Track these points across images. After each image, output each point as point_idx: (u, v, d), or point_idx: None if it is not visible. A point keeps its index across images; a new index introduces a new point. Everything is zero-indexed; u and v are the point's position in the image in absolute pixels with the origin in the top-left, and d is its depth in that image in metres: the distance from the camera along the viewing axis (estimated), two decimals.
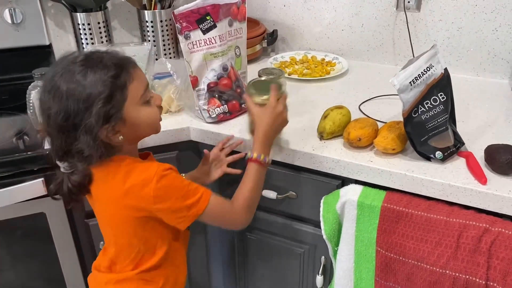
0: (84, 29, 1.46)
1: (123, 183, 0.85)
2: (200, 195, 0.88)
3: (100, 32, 1.48)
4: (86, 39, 1.47)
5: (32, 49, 1.48)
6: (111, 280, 0.95)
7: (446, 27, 1.39)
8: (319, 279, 1.18)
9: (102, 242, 1.11)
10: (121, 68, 0.82)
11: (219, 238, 1.33)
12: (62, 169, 0.88)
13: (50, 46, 1.52)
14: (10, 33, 1.44)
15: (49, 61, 1.48)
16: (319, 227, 1.08)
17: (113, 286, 0.95)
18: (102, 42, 1.49)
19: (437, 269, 0.91)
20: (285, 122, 1.00)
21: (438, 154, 0.97)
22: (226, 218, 0.94)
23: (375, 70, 1.48)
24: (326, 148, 1.05)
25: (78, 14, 1.44)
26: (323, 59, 1.55)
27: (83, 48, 1.48)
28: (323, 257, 1.17)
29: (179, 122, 1.18)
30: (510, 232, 0.86)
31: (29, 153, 1.08)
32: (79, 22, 1.45)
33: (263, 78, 1.09)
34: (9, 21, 1.43)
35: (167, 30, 1.50)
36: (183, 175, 1.09)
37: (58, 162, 0.88)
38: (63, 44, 1.57)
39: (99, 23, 1.47)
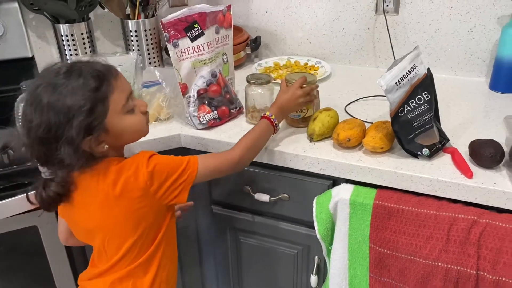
0: (68, 40, 1.45)
1: (116, 183, 0.86)
2: (188, 159, 0.92)
3: (84, 43, 1.48)
4: (70, 50, 1.46)
5: (14, 62, 1.47)
6: (115, 279, 0.94)
7: (424, 29, 1.44)
8: (313, 279, 1.20)
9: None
10: (101, 80, 0.83)
11: (212, 243, 1.34)
12: (43, 175, 0.89)
13: (32, 58, 1.51)
14: None
15: (32, 73, 1.47)
16: (312, 227, 1.10)
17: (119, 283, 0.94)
18: (86, 53, 1.49)
19: (430, 262, 0.94)
20: (298, 106, 1.11)
21: (425, 151, 1.00)
22: (221, 164, 0.97)
23: (357, 72, 1.52)
24: (316, 150, 1.07)
25: (61, 25, 1.43)
26: (306, 64, 1.58)
27: (67, 59, 1.47)
28: (316, 257, 1.19)
29: (169, 130, 1.19)
30: (497, 223, 0.90)
31: (17, 166, 1.08)
32: (62, 34, 1.44)
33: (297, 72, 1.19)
34: None
35: (151, 39, 1.51)
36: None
37: (40, 167, 0.89)
38: (45, 56, 1.56)
39: (82, 34, 1.46)
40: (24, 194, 1.02)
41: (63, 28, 1.44)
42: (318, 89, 1.17)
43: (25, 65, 1.48)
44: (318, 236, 1.08)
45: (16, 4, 1.43)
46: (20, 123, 0.85)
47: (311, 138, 1.10)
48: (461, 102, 1.29)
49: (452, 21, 1.40)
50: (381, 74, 0.97)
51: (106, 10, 1.50)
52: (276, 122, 1.04)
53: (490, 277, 0.89)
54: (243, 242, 1.29)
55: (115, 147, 0.90)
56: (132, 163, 0.88)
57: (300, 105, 1.11)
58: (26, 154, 0.86)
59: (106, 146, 0.86)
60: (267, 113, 1.05)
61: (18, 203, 1.04)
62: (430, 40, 1.45)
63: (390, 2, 1.44)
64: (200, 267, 1.42)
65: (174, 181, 0.89)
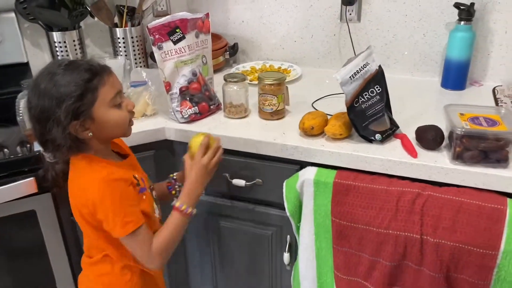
0: (61, 47, 1.58)
1: (74, 182, 0.99)
2: (131, 220, 0.96)
3: (75, 49, 1.61)
4: (62, 56, 1.59)
5: (11, 67, 1.59)
6: (88, 263, 1.08)
7: (383, 34, 1.62)
8: (286, 256, 1.34)
9: None
10: (94, 74, 0.94)
11: (195, 230, 1.47)
12: (47, 158, 1.01)
13: (27, 63, 1.63)
14: None
15: (27, 77, 1.59)
16: (284, 209, 1.24)
17: (90, 268, 1.08)
18: (77, 58, 1.62)
19: (382, 230, 1.09)
20: (210, 174, 1.12)
21: (378, 136, 1.16)
22: (141, 255, 1.01)
23: (325, 74, 1.68)
24: (285, 138, 1.22)
25: (54, 33, 1.57)
26: (280, 67, 1.74)
27: None
28: (288, 236, 1.33)
29: (154, 124, 1.33)
30: (437, 195, 1.06)
31: (19, 155, 1.20)
32: (55, 40, 1.58)
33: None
34: None
35: (137, 46, 1.65)
36: (174, 174, 1.22)
37: (43, 152, 1.01)
38: (39, 62, 1.68)
39: (74, 41, 1.60)
40: (22, 181, 1.16)
41: (56, 35, 1.57)
42: (288, 86, 1.33)
43: (21, 70, 1.60)
44: (288, 214, 1.22)
45: (13, 14, 1.56)
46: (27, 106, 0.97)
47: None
48: (416, 98, 1.46)
49: (407, 27, 1.58)
50: None
51: (95, 19, 1.63)
52: (188, 211, 1.05)
53: (432, 240, 1.04)
54: (223, 227, 1.42)
55: (99, 138, 0.99)
56: (91, 177, 0.96)
57: (211, 172, 1.11)
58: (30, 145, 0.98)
59: (90, 133, 0.96)
60: (178, 204, 1.05)
61: (18, 187, 1.16)
62: (389, 44, 1.62)
63: (352, 11, 1.61)
64: (184, 255, 1.55)
65: (106, 220, 0.96)
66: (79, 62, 0.96)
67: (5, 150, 1.26)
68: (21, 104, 1.20)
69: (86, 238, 1.08)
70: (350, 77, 1.11)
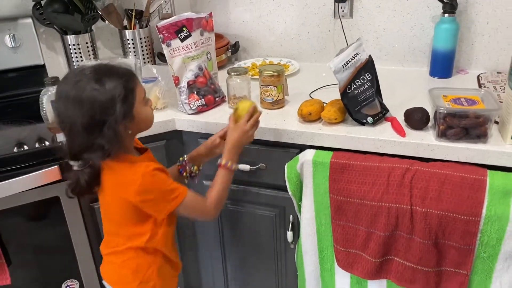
0: (75, 49, 1.71)
1: (119, 178, 1.04)
2: (178, 194, 1.06)
3: (88, 51, 1.73)
4: (77, 57, 1.71)
5: (30, 69, 1.71)
6: (111, 252, 1.16)
7: (374, 29, 1.73)
8: (289, 234, 1.45)
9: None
10: (128, 75, 1.01)
11: None
12: (75, 168, 1.03)
13: (44, 65, 1.75)
14: (10, 55, 1.67)
15: (44, 78, 1.71)
16: (286, 190, 1.35)
17: (114, 256, 1.15)
18: (90, 59, 1.74)
19: (375, 203, 1.20)
20: (250, 139, 1.21)
21: (369, 119, 1.27)
22: (198, 212, 1.14)
23: (321, 68, 1.79)
24: (286, 124, 1.33)
25: (68, 36, 1.69)
26: (279, 63, 1.86)
27: (73, 65, 1.73)
28: (291, 216, 1.44)
29: (165, 116, 1.44)
30: (424, 169, 1.16)
31: (43, 145, 1.31)
32: (70, 43, 1.70)
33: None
34: (9, 45, 1.66)
35: (146, 46, 1.77)
36: (184, 156, 1.31)
37: (71, 162, 1.03)
38: (54, 64, 1.81)
39: (87, 43, 1.72)
40: (47, 169, 1.27)
41: (70, 38, 1.70)
42: (287, 78, 1.44)
43: (39, 71, 1.72)
44: (290, 194, 1.33)
45: (30, 20, 1.69)
46: (57, 120, 1.00)
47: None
48: (406, 86, 1.57)
49: (396, 21, 1.69)
50: None
51: (106, 22, 1.75)
52: (233, 167, 1.16)
53: (421, 209, 1.15)
54: (230, 210, 1.53)
55: (133, 135, 1.08)
56: (135, 173, 1.02)
57: (250, 139, 1.21)
58: (65, 151, 1.01)
59: (130, 131, 1.03)
60: (223, 161, 1.16)
61: (44, 175, 1.28)
62: (380, 38, 1.74)
63: (345, 8, 1.73)
64: (194, 237, 1.66)
65: (157, 203, 1.05)
66: (106, 67, 1.01)
67: (32, 142, 1.35)
68: (44, 99, 1.31)
69: (114, 228, 1.14)
70: (342, 65, 1.23)
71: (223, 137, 1.25)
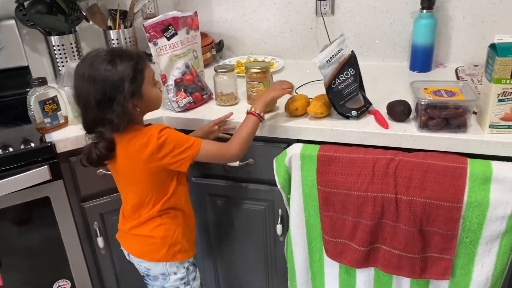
0: (59, 50, 1.70)
1: (135, 144, 1.12)
2: (193, 141, 1.16)
3: (73, 52, 1.73)
4: (61, 58, 1.71)
5: (13, 70, 1.70)
6: (136, 224, 1.23)
7: (355, 25, 1.78)
8: (279, 227, 1.48)
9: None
10: (138, 58, 1.11)
11: (195, 211, 1.59)
12: (89, 140, 1.13)
13: (27, 67, 1.74)
14: None
15: (28, 80, 1.70)
16: (274, 185, 1.38)
17: (140, 228, 1.23)
18: (75, 60, 1.74)
19: (362, 193, 1.24)
20: (276, 94, 1.30)
21: (354, 112, 1.31)
22: (220, 153, 1.21)
23: (305, 65, 1.83)
24: (274, 120, 1.36)
25: (52, 37, 1.69)
26: (264, 60, 1.88)
27: (58, 66, 1.72)
28: (280, 209, 1.47)
29: (153, 114, 1.41)
30: (408, 159, 1.21)
31: (33, 146, 1.31)
32: (54, 44, 1.70)
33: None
34: None
35: (130, 46, 1.78)
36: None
37: (86, 135, 1.14)
38: (38, 65, 1.80)
39: (71, 44, 1.72)
40: (37, 169, 1.28)
41: (54, 39, 1.69)
42: (273, 75, 1.47)
43: (22, 73, 1.71)
44: (279, 187, 1.36)
45: (13, 21, 1.68)
46: (74, 96, 1.11)
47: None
48: (387, 81, 1.62)
49: (376, 18, 1.74)
50: None
51: (90, 23, 1.76)
52: (261, 114, 1.25)
53: (405, 198, 1.20)
54: (220, 205, 1.56)
55: (142, 113, 1.17)
56: (146, 133, 1.13)
57: (271, 104, 1.35)
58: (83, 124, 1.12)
59: (138, 109, 1.12)
60: (253, 109, 1.25)
61: (34, 175, 1.28)
62: (361, 34, 1.78)
63: (326, 5, 1.77)
64: None
65: (178, 154, 1.14)
66: (119, 50, 1.16)
67: (20, 143, 1.35)
68: (32, 100, 1.31)
69: (137, 198, 1.20)
70: (327, 61, 1.26)
71: (220, 125, 1.37)
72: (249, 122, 1.24)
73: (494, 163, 1.15)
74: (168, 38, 1.38)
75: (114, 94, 1.06)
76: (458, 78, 1.57)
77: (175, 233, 1.24)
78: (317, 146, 1.30)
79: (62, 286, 1.48)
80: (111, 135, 1.11)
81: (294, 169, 1.32)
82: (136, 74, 1.09)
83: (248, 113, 1.26)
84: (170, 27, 1.37)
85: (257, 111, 1.25)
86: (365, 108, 1.33)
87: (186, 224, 1.29)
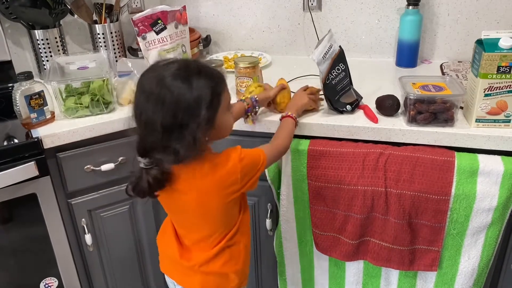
0: (43, 44, 1.67)
1: (213, 176, 0.96)
2: (260, 155, 1.04)
3: (57, 46, 1.70)
4: (45, 52, 1.68)
5: None
6: (205, 261, 1.07)
7: (342, 21, 1.79)
8: (268, 222, 1.48)
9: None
10: (218, 78, 0.93)
11: None
12: (142, 165, 0.94)
13: (10, 61, 1.70)
14: None
15: (10, 74, 1.66)
16: (264, 180, 1.38)
17: (209, 265, 1.08)
18: (60, 54, 1.71)
19: (352, 187, 1.25)
20: (306, 101, 1.29)
21: (348, 107, 1.32)
22: (278, 153, 1.14)
23: (292, 60, 1.84)
24: (263, 116, 1.36)
25: (36, 31, 1.65)
26: (251, 56, 1.88)
27: (43, 61, 1.69)
28: (269, 204, 1.47)
29: None
30: (396, 153, 1.23)
31: (19, 142, 1.28)
32: (38, 38, 1.66)
33: None
34: None
35: (116, 40, 1.75)
36: (255, 95, 1.28)
37: (139, 158, 0.94)
38: (21, 60, 1.76)
39: (55, 38, 1.69)
40: (24, 165, 1.25)
41: (38, 33, 1.66)
42: (262, 70, 1.47)
43: (5, 68, 1.66)
44: (269, 181, 1.37)
45: None
46: (136, 115, 0.92)
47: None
48: (374, 76, 1.63)
49: (363, 14, 1.76)
50: (311, 61, 1.25)
51: (75, 17, 1.72)
52: (297, 118, 1.23)
53: (395, 191, 1.21)
54: None
55: (210, 142, 0.99)
56: (226, 161, 0.97)
57: (307, 102, 1.29)
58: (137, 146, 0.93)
59: (207, 138, 0.94)
60: (289, 113, 1.22)
61: (20, 171, 1.25)
62: (348, 30, 1.80)
63: (314, 1, 1.78)
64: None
65: (255, 175, 1.03)
66: (196, 65, 0.93)
67: (4, 139, 1.32)
68: (17, 95, 1.28)
69: (207, 230, 1.06)
70: (322, 56, 1.26)
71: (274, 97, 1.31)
72: (288, 122, 1.20)
73: (480, 157, 1.18)
74: (157, 32, 1.37)
75: (187, 121, 0.87)
76: (443, 73, 1.60)
77: (244, 265, 1.13)
78: (307, 141, 1.30)
79: (50, 284, 1.46)
80: (169, 166, 0.94)
81: (285, 163, 1.32)
82: (213, 98, 0.90)
83: (285, 116, 1.22)
84: (159, 21, 1.36)
85: (294, 114, 1.22)
86: (357, 102, 1.35)
87: (247, 252, 1.16)
